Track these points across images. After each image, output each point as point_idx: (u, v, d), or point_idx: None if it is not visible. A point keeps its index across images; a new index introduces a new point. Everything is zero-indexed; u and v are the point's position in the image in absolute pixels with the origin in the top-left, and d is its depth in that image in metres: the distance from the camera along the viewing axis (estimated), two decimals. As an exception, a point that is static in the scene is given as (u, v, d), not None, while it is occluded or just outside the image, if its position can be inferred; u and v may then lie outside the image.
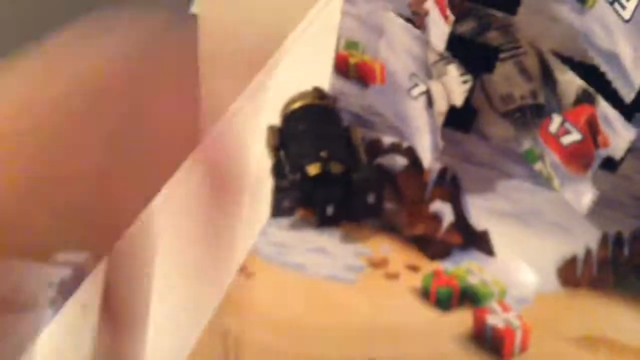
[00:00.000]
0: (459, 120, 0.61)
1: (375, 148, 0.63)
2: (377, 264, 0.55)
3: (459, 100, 0.52)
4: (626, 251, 0.59)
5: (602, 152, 0.50)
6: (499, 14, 0.52)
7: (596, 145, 0.51)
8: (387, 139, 0.64)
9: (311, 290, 0.52)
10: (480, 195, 0.62)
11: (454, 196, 0.62)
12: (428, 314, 0.53)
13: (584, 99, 0.51)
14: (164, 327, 0.45)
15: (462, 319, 0.52)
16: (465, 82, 0.51)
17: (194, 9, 0.61)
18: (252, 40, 0.60)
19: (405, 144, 0.63)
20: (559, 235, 0.60)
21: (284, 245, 0.55)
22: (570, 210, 0.61)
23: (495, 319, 0.51)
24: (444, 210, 0.61)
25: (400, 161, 0.63)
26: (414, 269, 0.56)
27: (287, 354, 0.47)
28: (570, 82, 0.51)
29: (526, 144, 0.59)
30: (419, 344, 0.50)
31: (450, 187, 0.63)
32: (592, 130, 0.51)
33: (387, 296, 0.53)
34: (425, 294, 0.54)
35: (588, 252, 0.58)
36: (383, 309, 0.52)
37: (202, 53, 0.57)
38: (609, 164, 0.56)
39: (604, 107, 0.49)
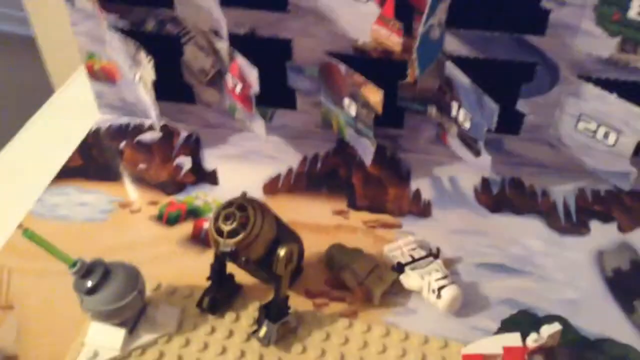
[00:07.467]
0: (181, 95, 0.82)
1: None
2: (125, 205, 0.76)
3: (152, 75, 0.73)
4: (319, 166, 0.81)
5: (252, 92, 0.72)
6: (164, 10, 0.74)
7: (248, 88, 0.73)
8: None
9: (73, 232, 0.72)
10: (215, 147, 0.84)
11: (194, 151, 0.83)
12: (160, 230, 0.73)
13: (232, 56, 0.72)
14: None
15: (185, 229, 0.73)
16: (150, 60, 0.72)
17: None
18: None
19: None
20: (270, 163, 0.82)
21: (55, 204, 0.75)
22: (281, 145, 0.83)
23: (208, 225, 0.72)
24: (184, 161, 0.82)
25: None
26: (154, 204, 0.76)
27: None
28: (224, 48, 0.73)
29: (228, 102, 0.80)
30: (151, 248, 0.70)
31: (193, 145, 0.84)
32: (242, 77, 0.72)
33: (130, 224, 0.74)
34: (159, 217, 0.74)
35: (290, 170, 0.80)
36: (126, 231, 0.73)
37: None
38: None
39: (240, 59, 0.71)
